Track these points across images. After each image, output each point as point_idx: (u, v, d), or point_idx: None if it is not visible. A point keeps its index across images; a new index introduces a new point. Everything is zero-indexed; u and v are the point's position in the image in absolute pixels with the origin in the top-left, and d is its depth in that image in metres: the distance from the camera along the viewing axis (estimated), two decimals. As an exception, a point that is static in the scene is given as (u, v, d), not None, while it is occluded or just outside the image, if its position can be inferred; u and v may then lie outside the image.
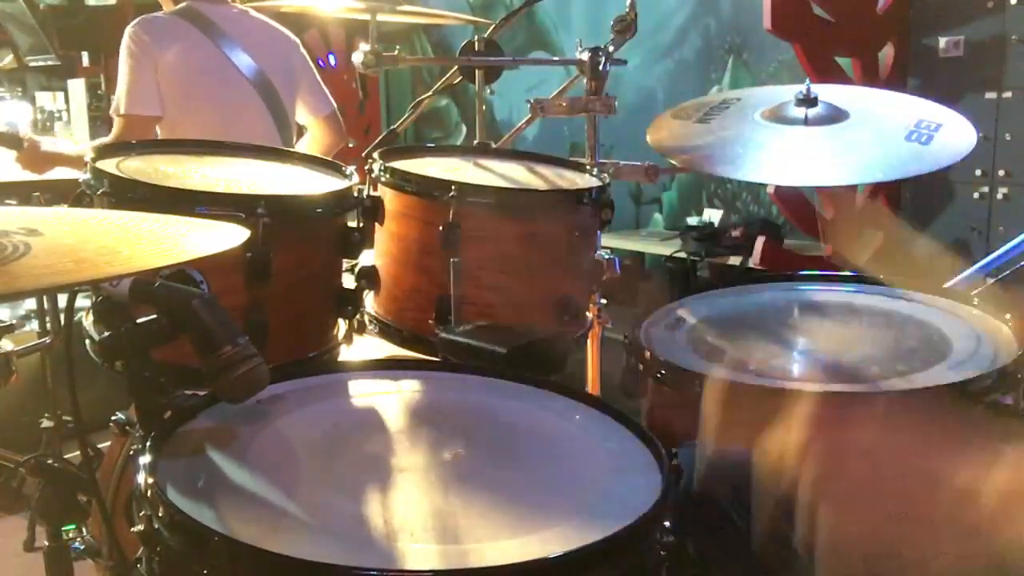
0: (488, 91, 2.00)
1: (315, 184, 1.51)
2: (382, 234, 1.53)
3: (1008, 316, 1.39)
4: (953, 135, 1.62)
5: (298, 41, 2.92)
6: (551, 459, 1.02)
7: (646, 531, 0.84)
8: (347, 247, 1.47)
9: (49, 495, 1.52)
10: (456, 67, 2.08)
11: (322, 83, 2.96)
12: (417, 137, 5.78)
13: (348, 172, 1.53)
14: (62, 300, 2.09)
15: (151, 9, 2.87)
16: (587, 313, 1.65)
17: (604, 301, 1.85)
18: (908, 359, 1.31)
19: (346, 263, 1.52)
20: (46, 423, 2.13)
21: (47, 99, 5.71)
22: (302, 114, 2.91)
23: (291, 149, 2.57)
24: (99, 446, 1.64)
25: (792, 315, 1.54)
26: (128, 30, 2.63)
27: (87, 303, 1.32)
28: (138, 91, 2.61)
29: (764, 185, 3.61)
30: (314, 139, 2.95)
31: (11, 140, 2.50)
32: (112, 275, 0.84)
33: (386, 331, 1.54)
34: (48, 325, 2.29)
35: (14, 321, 1.72)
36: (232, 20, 2.75)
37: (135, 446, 1.31)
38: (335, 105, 2.97)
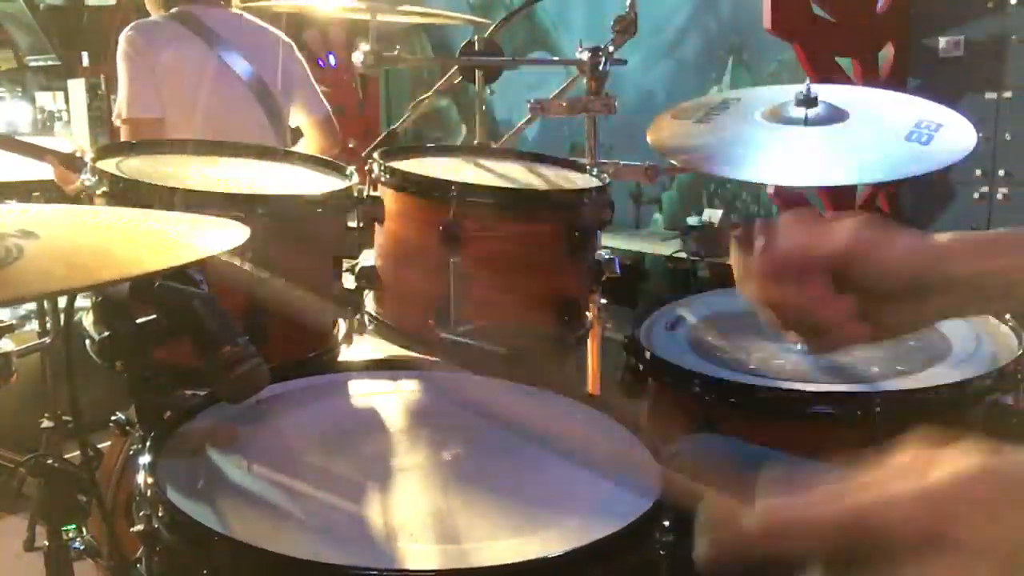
0: (488, 91, 2.00)
1: (315, 184, 1.51)
2: (382, 234, 1.52)
3: (1008, 316, 1.39)
4: (953, 135, 1.62)
5: (292, 43, 2.92)
6: (551, 459, 1.02)
7: (646, 531, 0.84)
8: (347, 247, 1.47)
9: (49, 495, 1.52)
10: (456, 67, 2.07)
11: (316, 86, 2.96)
12: (417, 137, 5.77)
13: (348, 172, 1.53)
14: (62, 300, 2.08)
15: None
16: (587, 313, 1.65)
17: (604, 301, 1.85)
18: (908, 359, 1.31)
19: (346, 263, 1.52)
20: (46, 423, 2.13)
21: (47, 99, 5.71)
22: (297, 116, 2.92)
23: (290, 149, 2.57)
24: (99, 446, 1.63)
25: (792, 315, 1.53)
26: (123, 36, 2.64)
27: (87, 303, 1.32)
28: (138, 94, 2.62)
29: (764, 185, 3.61)
30: (309, 141, 2.95)
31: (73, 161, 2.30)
32: (105, 281, 0.84)
33: (386, 331, 1.53)
34: (48, 325, 2.29)
35: (14, 321, 1.71)
36: (226, 23, 2.75)
37: (135, 446, 1.31)
38: (329, 108, 2.98)
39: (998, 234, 0.79)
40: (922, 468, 0.49)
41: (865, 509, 0.49)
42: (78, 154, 2.16)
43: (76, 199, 1.32)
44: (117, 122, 2.68)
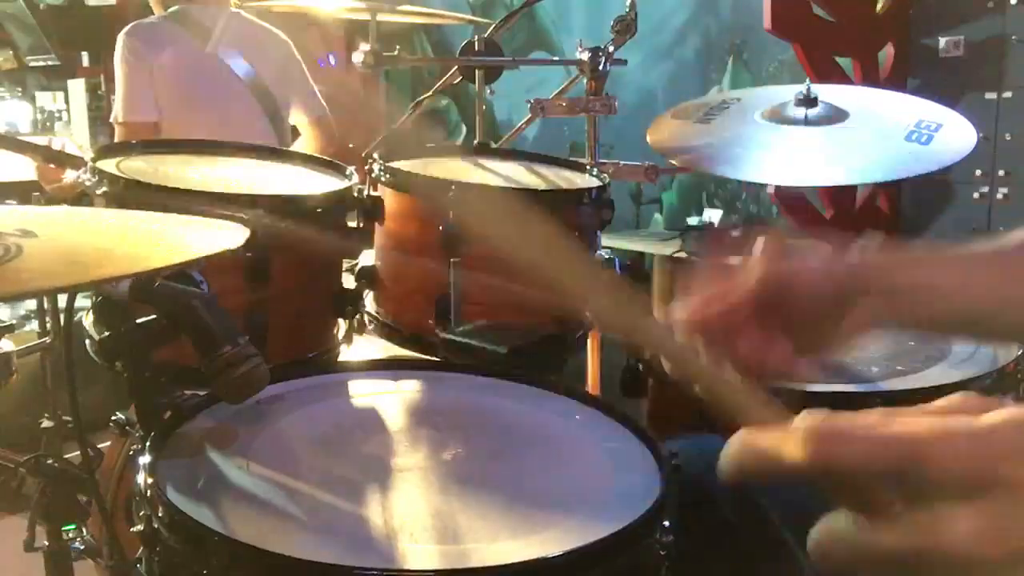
0: (488, 91, 2.00)
1: (315, 184, 1.51)
2: (382, 234, 1.52)
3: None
4: (953, 135, 1.62)
5: (291, 43, 2.92)
6: (551, 459, 1.02)
7: (646, 531, 0.84)
8: (347, 247, 1.47)
9: (49, 495, 1.52)
10: (456, 67, 2.07)
11: (314, 86, 2.96)
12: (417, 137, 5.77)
13: (348, 172, 1.53)
14: (62, 300, 2.08)
15: (151, 9, 2.88)
16: (587, 313, 1.65)
17: (604, 301, 1.84)
18: (908, 359, 1.31)
19: (346, 263, 1.52)
20: (46, 423, 2.13)
21: (47, 99, 5.70)
22: (294, 116, 2.92)
23: (290, 149, 2.57)
24: (99, 446, 1.63)
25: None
26: (120, 38, 2.64)
27: (87, 303, 1.33)
28: (135, 97, 2.62)
29: (764, 185, 3.61)
30: (306, 141, 2.95)
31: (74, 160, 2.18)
32: (102, 278, 0.84)
33: (386, 331, 1.53)
34: (48, 325, 2.29)
35: (14, 321, 1.71)
36: (225, 22, 2.74)
37: (135, 446, 1.31)
38: (326, 108, 2.98)
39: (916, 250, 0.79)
40: (973, 410, 0.47)
41: (921, 436, 0.46)
42: (64, 148, 2.14)
43: (78, 201, 1.32)
44: (113, 123, 2.69)
